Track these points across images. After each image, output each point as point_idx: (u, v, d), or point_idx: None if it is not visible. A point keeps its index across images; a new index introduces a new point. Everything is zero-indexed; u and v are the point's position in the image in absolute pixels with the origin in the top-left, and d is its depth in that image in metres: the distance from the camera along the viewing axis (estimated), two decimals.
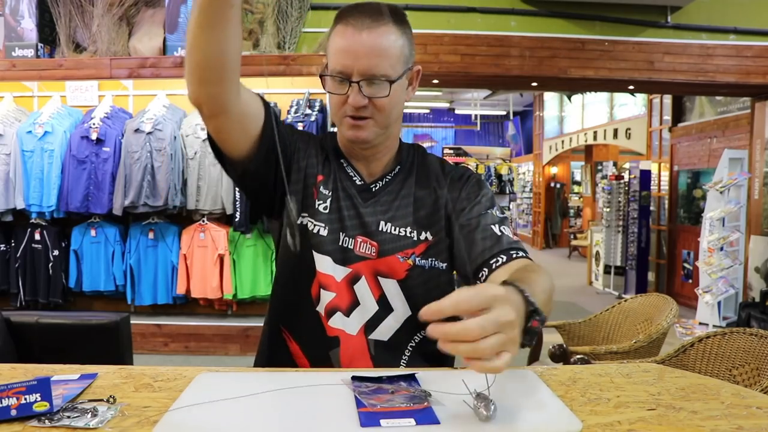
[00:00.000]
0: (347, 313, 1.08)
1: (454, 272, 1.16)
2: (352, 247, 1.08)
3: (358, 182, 1.12)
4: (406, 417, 0.73)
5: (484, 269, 1.02)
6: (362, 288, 1.08)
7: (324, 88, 1.06)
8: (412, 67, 1.08)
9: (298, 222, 1.09)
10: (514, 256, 1.01)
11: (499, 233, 1.04)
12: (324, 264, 1.08)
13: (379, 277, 1.08)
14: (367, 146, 1.09)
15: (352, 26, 1.00)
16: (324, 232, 1.08)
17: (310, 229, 1.09)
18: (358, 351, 1.07)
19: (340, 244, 1.08)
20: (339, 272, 1.08)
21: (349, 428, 0.71)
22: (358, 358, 1.07)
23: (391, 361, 1.08)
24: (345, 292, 1.08)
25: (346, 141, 1.10)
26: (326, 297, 1.08)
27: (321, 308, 1.09)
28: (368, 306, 1.08)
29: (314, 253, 1.08)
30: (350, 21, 1.01)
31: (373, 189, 1.12)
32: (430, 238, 1.09)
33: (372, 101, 1.02)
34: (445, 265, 1.11)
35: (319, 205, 1.09)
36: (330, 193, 1.10)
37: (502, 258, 1.01)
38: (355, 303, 1.08)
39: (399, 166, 1.14)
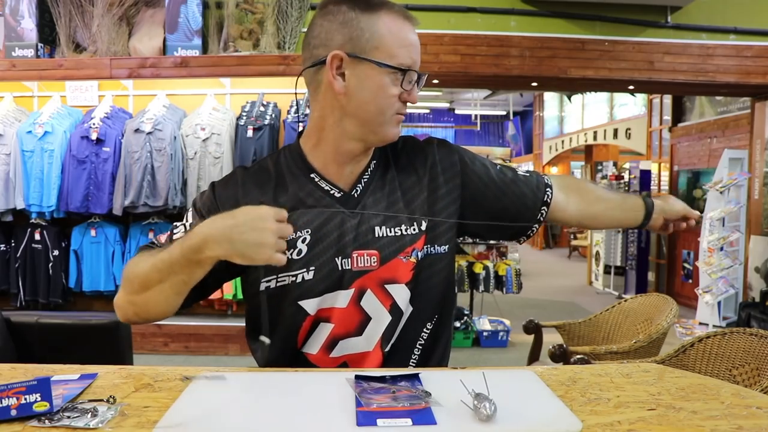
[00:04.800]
0: (359, 332, 1.01)
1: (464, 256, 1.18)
2: (349, 267, 0.99)
3: (337, 194, 1.02)
4: (403, 417, 0.73)
5: (543, 208, 1.14)
6: (371, 302, 1.01)
7: (371, 80, 0.96)
8: None
9: (272, 286, 1.00)
10: (547, 181, 1.17)
11: (524, 175, 1.16)
12: (317, 303, 1.00)
13: (386, 286, 1.01)
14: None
15: (409, 20, 0.99)
16: (309, 275, 0.98)
17: (291, 282, 0.99)
18: (372, 364, 1.01)
19: (339, 268, 0.99)
20: (341, 298, 1.00)
21: (345, 427, 0.71)
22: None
23: (401, 362, 1.04)
24: (351, 314, 1.00)
25: (376, 142, 1.02)
26: (323, 330, 1.00)
27: (315, 346, 1.02)
28: (381, 318, 1.01)
29: (300, 303, 0.99)
30: (403, 13, 0.99)
31: (355, 195, 1.03)
32: (425, 225, 1.03)
33: None
34: (445, 247, 1.06)
35: (291, 252, 0.98)
36: (305, 228, 0.99)
37: (548, 191, 1.15)
38: (366, 319, 1.01)
39: (374, 161, 1.06)
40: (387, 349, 1.02)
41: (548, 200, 1.15)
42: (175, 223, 1.04)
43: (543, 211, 1.14)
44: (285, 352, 1.03)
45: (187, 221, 1.02)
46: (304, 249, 0.99)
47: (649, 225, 1.23)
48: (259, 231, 0.82)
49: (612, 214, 1.24)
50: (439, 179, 1.07)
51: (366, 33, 0.95)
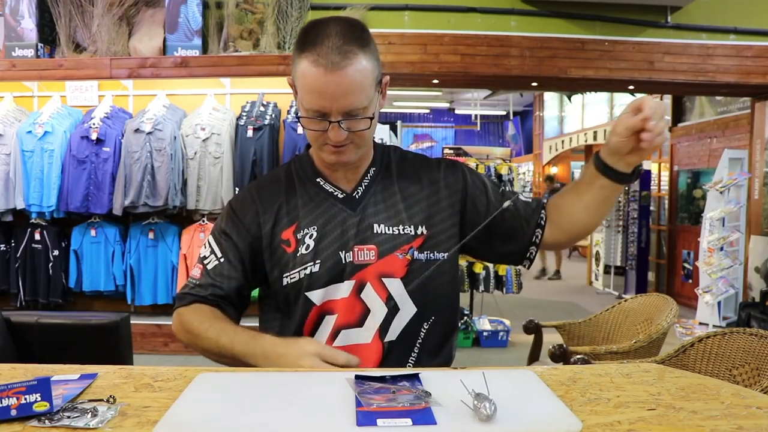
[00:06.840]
0: (360, 323, 1.08)
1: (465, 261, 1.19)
2: (351, 259, 1.08)
3: (340, 195, 1.12)
4: (403, 417, 0.73)
5: (537, 230, 1.16)
6: (369, 294, 1.08)
7: (300, 124, 1.06)
8: (381, 80, 1.05)
9: (290, 281, 1.09)
10: (545, 201, 1.19)
11: (525, 200, 1.18)
12: (322, 294, 1.08)
13: (383, 279, 1.08)
14: (349, 166, 1.11)
15: (322, 67, 0.95)
16: (315, 268, 1.07)
17: (303, 275, 1.08)
18: (371, 357, 1.07)
19: (343, 261, 1.08)
20: (344, 289, 1.08)
21: (345, 427, 0.71)
22: (371, 364, 1.07)
23: (400, 359, 1.09)
24: (353, 304, 1.08)
25: (327, 163, 1.11)
26: (328, 323, 1.08)
27: (322, 339, 1.09)
28: (378, 310, 1.08)
29: (307, 294, 1.08)
30: (319, 60, 0.95)
31: (356, 196, 1.12)
32: (425, 231, 1.11)
33: (352, 132, 1.02)
34: (445, 254, 1.12)
35: (300, 248, 1.08)
36: (311, 225, 1.10)
37: (543, 214, 1.17)
38: (366, 311, 1.08)
39: (374, 168, 1.15)
40: (386, 340, 1.08)
41: (543, 222, 1.16)
42: (203, 254, 1.13)
43: (538, 234, 1.16)
44: None
45: (214, 247, 1.13)
46: (312, 244, 1.08)
47: (614, 168, 1.06)
48: (297, 365, 0.96)
49: (578, 204, 1.14)
50: (440, 194, 1.15)
51: (295, 71, 1.02)
